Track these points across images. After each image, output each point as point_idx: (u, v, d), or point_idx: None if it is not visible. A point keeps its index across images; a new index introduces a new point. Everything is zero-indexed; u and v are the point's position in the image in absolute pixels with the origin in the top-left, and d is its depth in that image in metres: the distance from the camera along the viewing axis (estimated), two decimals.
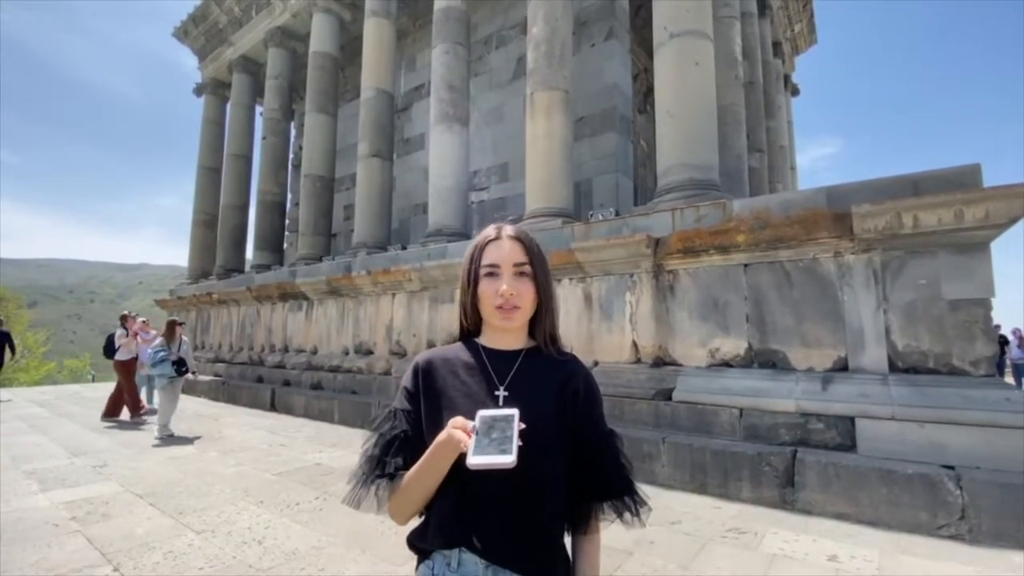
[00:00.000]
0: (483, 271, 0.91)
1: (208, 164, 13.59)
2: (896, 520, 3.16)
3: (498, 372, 0.91)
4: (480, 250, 0.93)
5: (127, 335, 7.44)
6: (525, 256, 0.91)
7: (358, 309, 8.01)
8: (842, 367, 3.91)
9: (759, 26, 10.47)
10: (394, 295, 7.46)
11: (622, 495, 0.89)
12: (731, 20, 7.89)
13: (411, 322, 7.19)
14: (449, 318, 6.71)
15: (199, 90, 14.32)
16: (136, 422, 7.04)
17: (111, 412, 7.22)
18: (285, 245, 12.34)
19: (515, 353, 0.94)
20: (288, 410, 7.86)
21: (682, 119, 5.27)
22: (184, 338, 6.55)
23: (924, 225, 3.57)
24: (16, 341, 10.30)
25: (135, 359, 7.49)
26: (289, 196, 12.66)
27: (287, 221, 12.56)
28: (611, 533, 0.93)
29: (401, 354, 7.27)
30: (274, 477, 4.31)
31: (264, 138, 11.74)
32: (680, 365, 4.70)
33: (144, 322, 8.32)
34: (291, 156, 12.68)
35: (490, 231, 0.95)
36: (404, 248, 7.83)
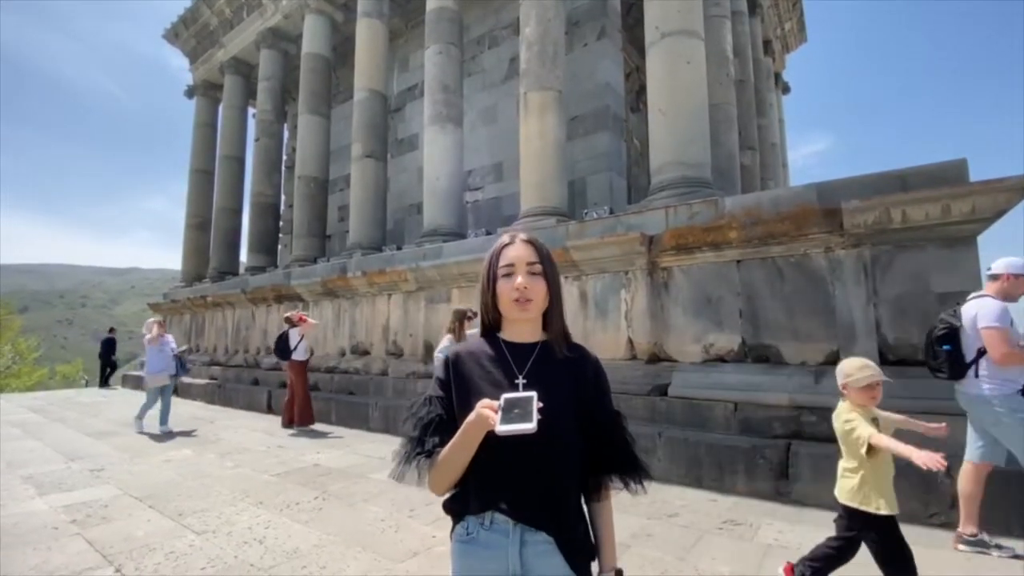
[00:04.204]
0: (501, 272, 1.04)
1: (200, 167, 13.53)
2: None
3: (517, 362, 1.04)
4: (497, 255, 1.06)
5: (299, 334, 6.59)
6: (536, 257, 1.04)
7: (354, 310, 8.01)
8: (834, 360, 3.95)
9: (749, 25, 10.56)
10: (390, 296, 7.47)
11: (629, 468, 1.05)
12: (722, 19, 7.95)
13: (407, 322, 7.20)
14: (446, 318, 6.72)
15: (190, 92, 14.24)
16: (302, 431, 6.36)
17: (291, 420, 6.55)
18: (279, 247, 12.29)
19: (532, 345, 1.06)
20: None
21: (674, 117, 5.32)
22: (471, 332, 4.47)
23: (912, 220, 3.64)
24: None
25: (308, 360, 6.85)
26: (283, 198, 12.64)
27: (281, 223, 12.52)
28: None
29: (398, 354, 7.27)
30: (273, 478, 4.32)
31: (257, 140, 11.71)
32: (675, 361, 4.75)
33: (160, 323, 7.17)
34: (284, 158, 12.65)
35: (505, 238, 1.09)
36: (399, 248, 7.84)
